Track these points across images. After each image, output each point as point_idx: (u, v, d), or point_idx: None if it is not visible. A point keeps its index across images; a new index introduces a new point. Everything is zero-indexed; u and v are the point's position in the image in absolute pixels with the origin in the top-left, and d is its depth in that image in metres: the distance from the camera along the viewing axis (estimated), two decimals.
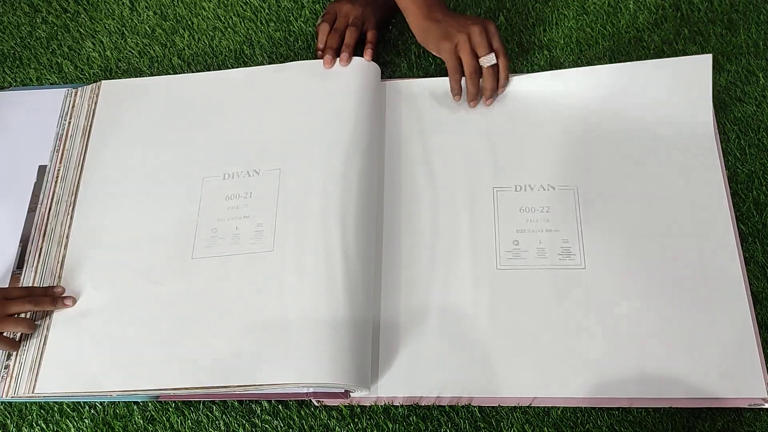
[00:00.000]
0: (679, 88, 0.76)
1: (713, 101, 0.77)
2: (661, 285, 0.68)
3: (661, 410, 0.64)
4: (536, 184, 0.75)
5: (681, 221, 0.71)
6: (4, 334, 0.71)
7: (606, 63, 0.81)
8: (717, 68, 0.79)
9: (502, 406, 0.66)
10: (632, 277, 0.69)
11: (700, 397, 0.64)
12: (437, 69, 0.85)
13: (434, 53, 0.78)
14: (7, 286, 0.77)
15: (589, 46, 0.83)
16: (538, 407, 0.66)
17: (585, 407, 0.65)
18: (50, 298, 0.72)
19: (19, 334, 0.72)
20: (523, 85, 0.80)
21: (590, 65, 0.81)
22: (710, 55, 0.75)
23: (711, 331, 0.66)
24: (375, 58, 0.82)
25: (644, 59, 0.81)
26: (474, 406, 0.66)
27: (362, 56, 0.82)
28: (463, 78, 0.77)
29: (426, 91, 0.82)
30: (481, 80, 0.77)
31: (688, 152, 0.74)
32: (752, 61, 0.79)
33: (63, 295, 0.73)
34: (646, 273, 0.69)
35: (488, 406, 0.66)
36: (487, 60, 0.75)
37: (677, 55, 0.81)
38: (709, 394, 0.64)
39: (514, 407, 0.66)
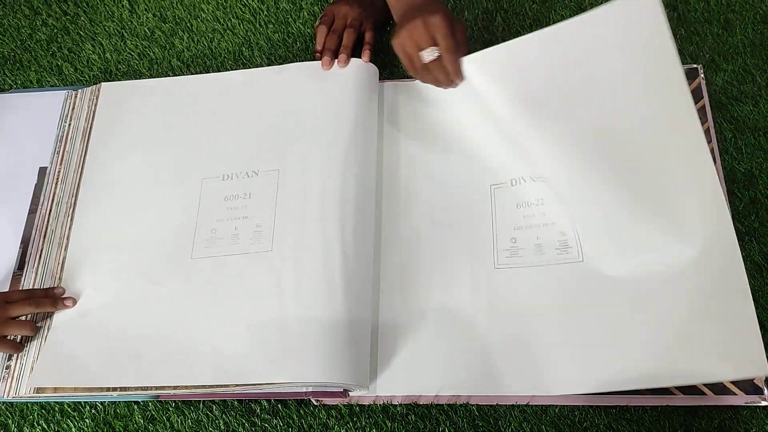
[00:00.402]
0: (632, 35, 0.68)
1: (710, 101, 0.77)
2: (661, 280, 0.68)
3: (659, 408, 0.65)
4: (527, 176, 0.74)
5: (676, 212, 0.68)
6: (7, 337, 0.72)
7: None
8: (714, 68, 0.80)
9: (500, 405, 0.66)
10: (628, 270, 0.68)
11: (697, 395, 0.64)
12: None
13: None
14: (8, 287, 0.77)
15: None
16: (536, 405, 0.66)
17: (582, 405, 0.65)
18: (51, 299, 0.72)
19: (20, 336, 0.73)
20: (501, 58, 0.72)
21: None
22: None
23: (709, 328, 0.66)
24: (373, 59, 0.83)
25: None
26: (472, 405, 0.66)
27: (360, 57, 0.82)
28: None
29: (423, 92, 0.82)
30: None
31: (665, 114, 0.67)
32: (749, 61, 0.80)
33: (63, 296, 0.73)
34: (644, 265, 0.68)
35: (486, 405, 0.66)
36: (425, 55, 0.70)
37: None
38: (706, 390, 0.64)
39: (512, 405, 0.66)
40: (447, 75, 0.72)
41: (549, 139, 0.69)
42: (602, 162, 0.68)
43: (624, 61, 0.68)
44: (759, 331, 0.61)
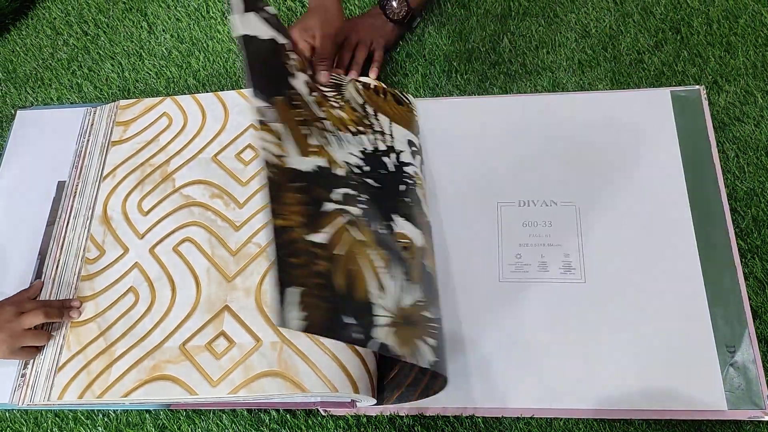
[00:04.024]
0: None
1: (713, 121, 0.79)
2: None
3: (662, 422, 0.65)
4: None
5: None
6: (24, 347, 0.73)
7: (607, 84, 0.84)
8: (716, 89, 0.82)
9: (505, 417, 0.67)
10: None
11: (700, 410, 0.65)
12: (442, 90, 0.87)
13: None
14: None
15: (591, 68, 0.85)
16: (541, 418, 0.67)
17: (587, 418, 0.66)
18: (58, 310, 0.74)
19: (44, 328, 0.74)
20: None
21: (591, 86, 0.84)
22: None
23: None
24: (383, 79, 0.85)
25: (645, 81, 0.83)
26: (478, 417, 0.67)
27: (368, 75, 0.85)
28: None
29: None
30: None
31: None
32: (750, 82, 0.81)
33: (70, 307, 0.75)
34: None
35: (492, 417, 0.67)
36: None
37: (677, 77, 0.83)
38: (709, 406, 0.65)
39: (517, 418, 0.67)
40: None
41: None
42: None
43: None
44: (759, 367, 0.66)
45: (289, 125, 0.66)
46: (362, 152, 0.73)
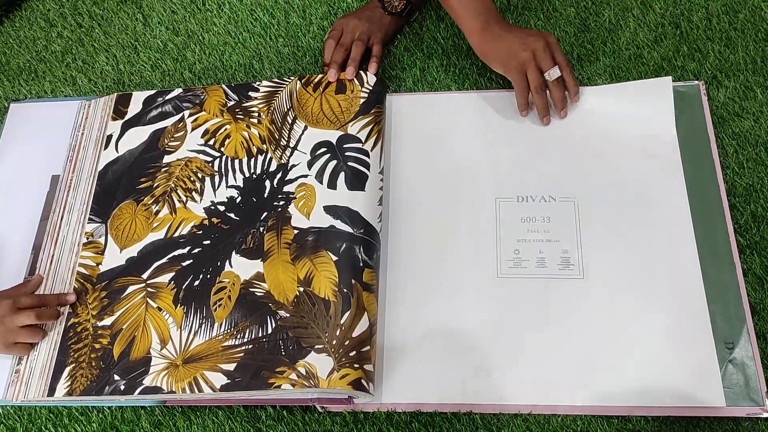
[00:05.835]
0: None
1: (712, 117, 0.79)
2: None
3: (660, 419, 0.65)
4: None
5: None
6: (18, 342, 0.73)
7: (606, 79, 0.83)
8: (716, 84, 0.81)
9: (503, 414, 0.67)
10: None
11: (698, 406, 0.65)
12: (441, 84, 0.87)
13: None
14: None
15: (590, 62, 0.85)
16: (539, 414, 0.67)
17: (585, 415, 0.66)
18: (53, 311, 0.74)
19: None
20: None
21: (591, 81, 0.83)
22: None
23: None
24: (381, 73, 0.84)
25: (644, 75, 0.83)
26: (475, 413, 0.67)
27: (367, 71, 0.84)
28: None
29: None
30: (548, 94, 0.78)
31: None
32: (750, 78, 0.81)
33: (59, 305, 0.75)
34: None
35: (489, 414, 0.67)
36: (553, 74, 0.76)
37: (676, 72, 0.83)
38: (707, 403, 0.65)
39: (515, 414, 0.67)
40: (563, 91, 0.78)
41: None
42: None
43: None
44: (757, 363, 0.66)
45: (122, 224, 0.78)
46: (244, 179, 0.79)
